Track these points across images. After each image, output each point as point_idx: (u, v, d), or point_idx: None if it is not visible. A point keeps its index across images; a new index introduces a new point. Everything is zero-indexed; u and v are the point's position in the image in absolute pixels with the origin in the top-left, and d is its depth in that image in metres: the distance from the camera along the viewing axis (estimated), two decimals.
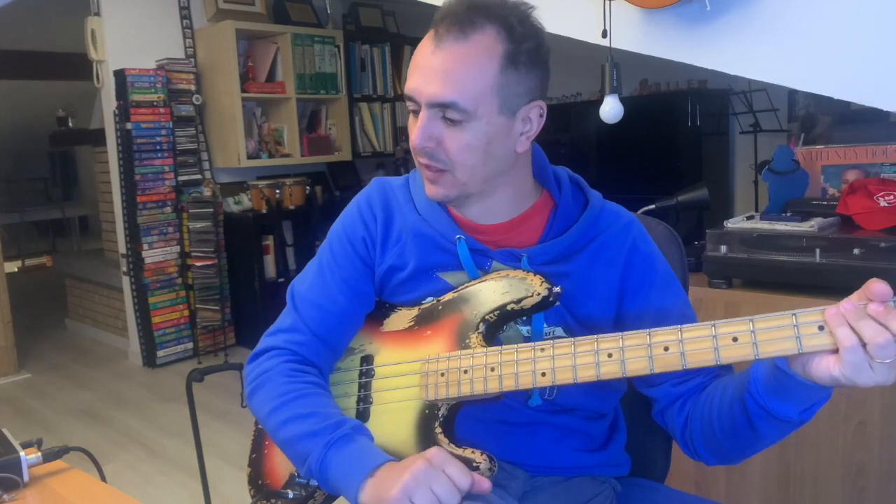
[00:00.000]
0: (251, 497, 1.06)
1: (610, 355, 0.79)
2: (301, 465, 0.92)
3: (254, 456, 1.08)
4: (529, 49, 0.90)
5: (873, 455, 1.56)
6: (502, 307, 0.90)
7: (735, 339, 0.72)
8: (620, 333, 0.79)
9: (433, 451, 0.82)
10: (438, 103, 0.89)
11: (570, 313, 0.97)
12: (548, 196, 1.02)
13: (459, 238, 0.98)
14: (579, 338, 0.82)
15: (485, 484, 0.81)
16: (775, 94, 3.43)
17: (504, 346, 0.87)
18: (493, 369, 0.86)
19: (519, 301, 0.90)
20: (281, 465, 1.04)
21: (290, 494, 1.01)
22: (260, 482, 1.06)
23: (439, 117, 0.91)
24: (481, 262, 0.98)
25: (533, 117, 0.95)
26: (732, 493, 1.77)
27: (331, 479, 0.88)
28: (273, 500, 1.03)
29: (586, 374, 0.80)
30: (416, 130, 0.92)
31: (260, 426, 1.08)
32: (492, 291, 0.92)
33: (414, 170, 1.05)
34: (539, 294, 0.89)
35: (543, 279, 0.89)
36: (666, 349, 0.76)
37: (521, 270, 0.93)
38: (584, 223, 0.98)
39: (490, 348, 0.88)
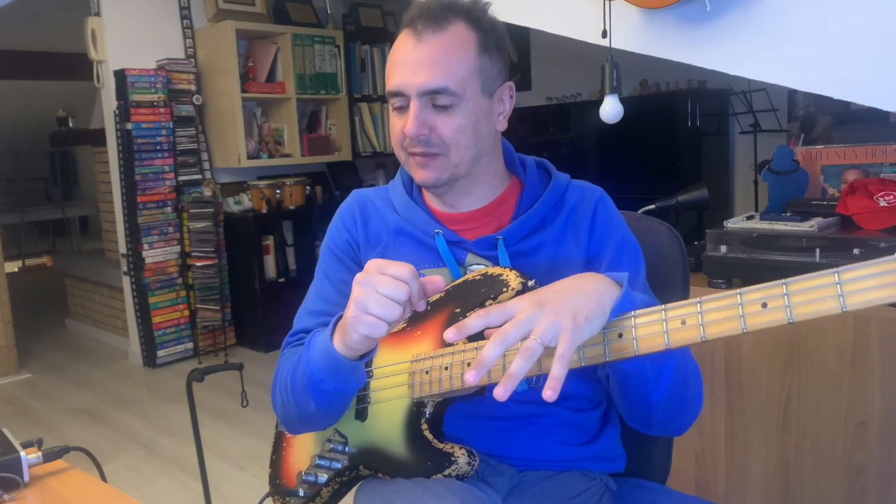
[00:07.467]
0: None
1: None
2: (309, 396, 0.95)
3: (274, 457, 1.13)
4: (496, 37, 1.00)
5: (873, 455, 1.56)
6: (481, 304, 0.93)
7: (683, 322, 0.74)
8: None
9: (368, 264, 0.85)
10: (430, 90, 0.95)
11: None
12: (517, 181, 1.09)
13: (438, 233, 1.03)
14: None
15: (435, 278, 0.86)
16: (775, 94, 3.43)
17: (480, 342, 0.89)
18: (468, 365, 0.88)
19: (496, 297, 0.92)
20: (295, 467, 1.08)
21: (301, 493, 1.06)
22: (277, 482, 1.11)
23: (430, 105, 0.96)
24: (458, 253, 1.03)
25: (505, 98, 1.03)
26: (732, 493, 1.77)
27: (319, 373, 0.91)
28: (287, 499, 1.09)
29: (548, 364, 0.81)
30: (411, 120, 0.96)
31: (280, 428, 1.13)
32: (472, 290, 0.95)
33: (392, 180, 1.12)
34: (514, 289, 0.91)
35: (519, 274, 0.92)
36: (620, 336, 0.78)
37: (499, 267, 0.96)
38: (551, 195, 1.05)
39: (468, 345, 0.91)
